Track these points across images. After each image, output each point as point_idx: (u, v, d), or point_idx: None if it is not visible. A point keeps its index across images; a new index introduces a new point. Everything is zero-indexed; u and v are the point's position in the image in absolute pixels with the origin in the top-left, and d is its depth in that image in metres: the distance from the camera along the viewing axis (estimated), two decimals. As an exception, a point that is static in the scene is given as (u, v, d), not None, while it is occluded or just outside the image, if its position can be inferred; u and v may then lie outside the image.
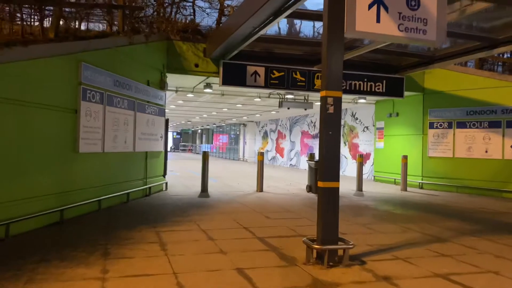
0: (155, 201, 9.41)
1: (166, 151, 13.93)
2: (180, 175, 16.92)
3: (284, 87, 11.67)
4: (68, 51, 6.95)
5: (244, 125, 32.41)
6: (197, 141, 54.74)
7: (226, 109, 21.95)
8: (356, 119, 18.42)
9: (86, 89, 7.37)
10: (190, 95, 15.61)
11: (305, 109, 15.14)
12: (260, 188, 11.62)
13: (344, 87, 12.22)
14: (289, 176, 17.61)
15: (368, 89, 12.48)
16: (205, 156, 11.00)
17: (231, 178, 15.81)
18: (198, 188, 11.25)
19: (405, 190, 12.92)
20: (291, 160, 25.01)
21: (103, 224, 6.76)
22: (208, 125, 41.18)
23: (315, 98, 15.47)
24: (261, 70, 11.34)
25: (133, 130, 9.25)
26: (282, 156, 26.38)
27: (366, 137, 17.65)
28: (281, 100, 14.68)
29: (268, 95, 14.98)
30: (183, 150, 55.68)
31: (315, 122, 22.14)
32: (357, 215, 8.30)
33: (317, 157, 19.76)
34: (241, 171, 20.61)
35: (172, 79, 12.22)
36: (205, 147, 48.69)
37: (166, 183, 11.46)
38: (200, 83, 12.84)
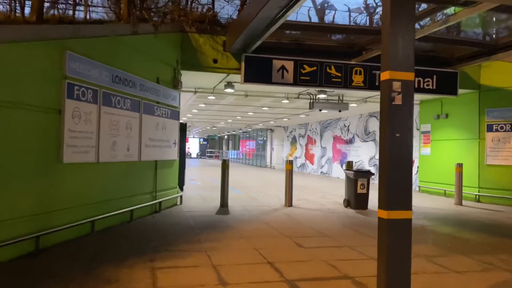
0: (164, 219, 7.92)
1: (183, 159, 12.53)
2: (201, 184, 15.47)
3: (316, 84, 10.01)
4: (48, 36, 5.56)
5: (271, 130, 30.81)
6: (224, 147, 53.55)
7: (251, 113, 20.44)
8: (396, 122, 16.47)
9: (74, 84, 5.97)
10: (211, 97, 14.19)
11: (340, 111, 13.42)
12: (289, 202, 9.96)
13: (387, 83, 10.43)
14: (321, 186, 15.85)
15: (416, 86, 10.63)
16: (225, 166, 9.47)
17: (256, 189, 14.21)
18: (217, 201, 9.72)
19: (460, 204, 10.96)
20: (322, 168, 23.18)
21: (88, 255, 5.28)
22: (234, 131, 39.84)
23: (351, 98, 13.73)
24: (289, 65, 9.73)
25: (138, 135, 7.82)
26: (312, 163, 24.60)
27: (408, 142, 15.69)
28: (312, 101, 13.03)
29: (297, 96, 13.35)
30: (210, 157, 54.60)
31: (348, 126, 20.27)
32: (415, 241, 6.48)
33: (355, 166, 17.91)
34: (267, 180, 18.99)
35: (189, 78, 10.79)
36: (231, 153, 47.40)
37: (181, 196, 9.97)
38: (220, 82, 11.36)
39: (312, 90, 12.38)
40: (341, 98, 13.45)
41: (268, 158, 31.63)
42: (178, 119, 9.71)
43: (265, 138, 32.69)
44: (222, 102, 16.36)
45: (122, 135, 7.27)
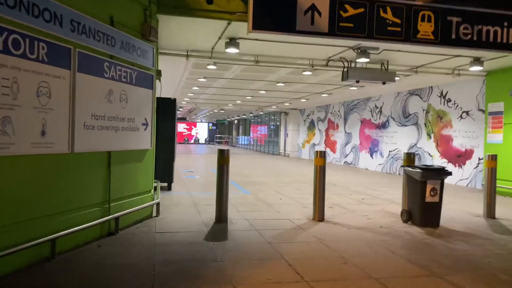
0: (113, 254, 4.64)
1: (171, 148, 9.32)
2: (199, 179, 12.19)
3: (363, 35, 6.54)
4: None
5: (286, 113, 27.35)
6: (234, 133, 50.27)
7: (263, 91, 17.02)
8: (448, 101, 12.92)
9: None
10: (211, 66, 10.83)
11: (384, 83, 9.91)
12: (319, 214, 6.60)
13: (469, 35, 6.93)
14: (352, 182, 12.44)
15: (510, 41, 7.11)
16: (223, 160, 6.19)
17: (270, 187, 10.88)
18: (212, 209, 6.43)
19: None
20: (346, 157, 19.74)
21: None
22: (244, 115, 36.45)
23: (399, 65, 10.24)
24: (323, 4, 6.27)
25: (68, 108, 4.52)
26: (333, 151, 21.15)
27: (465, 127, 12.16)
28: (346, 69, 9.58)
29: (325, 63, 9.89)
30: (219, 142, 51.44)
31: (381, 107, 16.74)
32: None
33: (389, 155, 14.45)
34: (283, 172, 15.63)
35: (174, 30, 7.50)
36: (242, 139, 44.18)
37: (158, 204, 6.69)
38: (219, 38, 7.98)
39: (349, 53, 8.94)
40: (385, 65, 9.96)
41: (281, 145, 28.26)
42: (152, 88, 6.37)
43: (278, 123, 29.29)
44: (227, 75, 12.97)
45: (27, 106, 3.97)
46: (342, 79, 9.71)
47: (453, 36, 6.89)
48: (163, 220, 6.33)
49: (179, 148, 36.43)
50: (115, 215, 5.37)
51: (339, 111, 20.62)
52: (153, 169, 6.62)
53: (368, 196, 9.54)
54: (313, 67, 10.03)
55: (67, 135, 4.51)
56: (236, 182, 11.46)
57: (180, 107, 30.33)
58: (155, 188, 8.09)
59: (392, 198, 9.26)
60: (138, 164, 6.12)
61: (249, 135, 40.50)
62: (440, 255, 4.87)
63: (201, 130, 53.76)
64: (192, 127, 53.01)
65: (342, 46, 8.45)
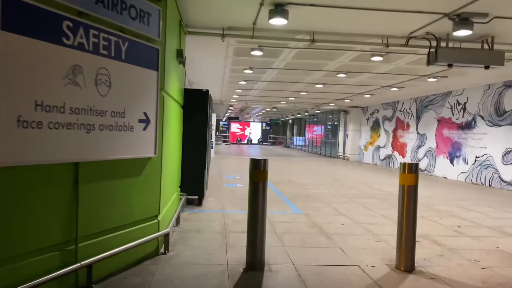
0: None
1: (202, 153, 7.42)
2: (242, 189, 10.13)
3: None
4: None
5: (345, 112, 24.69)
6: (288, 133, 48.03)
7: (320, 85, 14.69)
8: None
9: None
10: (256, 52, 8.78)
11: (486, 68, 7.28)
12: (407, 261, 4.25)
13: None
14: (433, 196, 9.76)
15: None
16: (258, 176, 4.08)
17: (329, 203, 8.59)
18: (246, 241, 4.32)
19: None
20: (419, 162, 16.84)
21: None
22: (299, 114, 34.10)
23: (508, 43, 7.58)
24: None
25: (-19, 92, 2.63)
26: (403, 155, 18.30)
27: None
28: (433, 49, 7.09)
29: (405, 41, 7.45)
30: (273, 143, 49.44)
31: (465, 104, 13.78)
32: None
33: (475, 161, 11.50)
34: (344, 180, 13.20)
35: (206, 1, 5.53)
36: (297, 140, 41.84)
37: (167, 235, 4.68)
38: (261, 5, 5.88)
39: (440, 25, 6.48)
40: (488, 42, 7.32)
41: (340, 147, 25.63)
42: (157, 68, 4.37)
43: (336, 123, 26.69)
44: (276, 64, 10.86)
45: None
46: (428, 63, 7.23)
47: None
48: (171, 261, 4.33)
49: (230, 149, 34.88)
50: (84, 262, 3.43)
51: (410, 109, 17.75)
52: (159, 187, 4.64)
53: (465, 220, 6.98)
54: (387, 47, 7.60)
55: (-22, 138, 2.62)
56: (286, 194, 9.32)
57: (231, 106, 28.69)
58: (181, 200, 6.30)
59: (501, 225, 6.66)
60: (132, 180, 4.16)
61: (304, 135, 38.11)
62: None
63: (255, 130, 52.07)
64: (245, 127, 51.49)
65: (434, 12, 6.02)
